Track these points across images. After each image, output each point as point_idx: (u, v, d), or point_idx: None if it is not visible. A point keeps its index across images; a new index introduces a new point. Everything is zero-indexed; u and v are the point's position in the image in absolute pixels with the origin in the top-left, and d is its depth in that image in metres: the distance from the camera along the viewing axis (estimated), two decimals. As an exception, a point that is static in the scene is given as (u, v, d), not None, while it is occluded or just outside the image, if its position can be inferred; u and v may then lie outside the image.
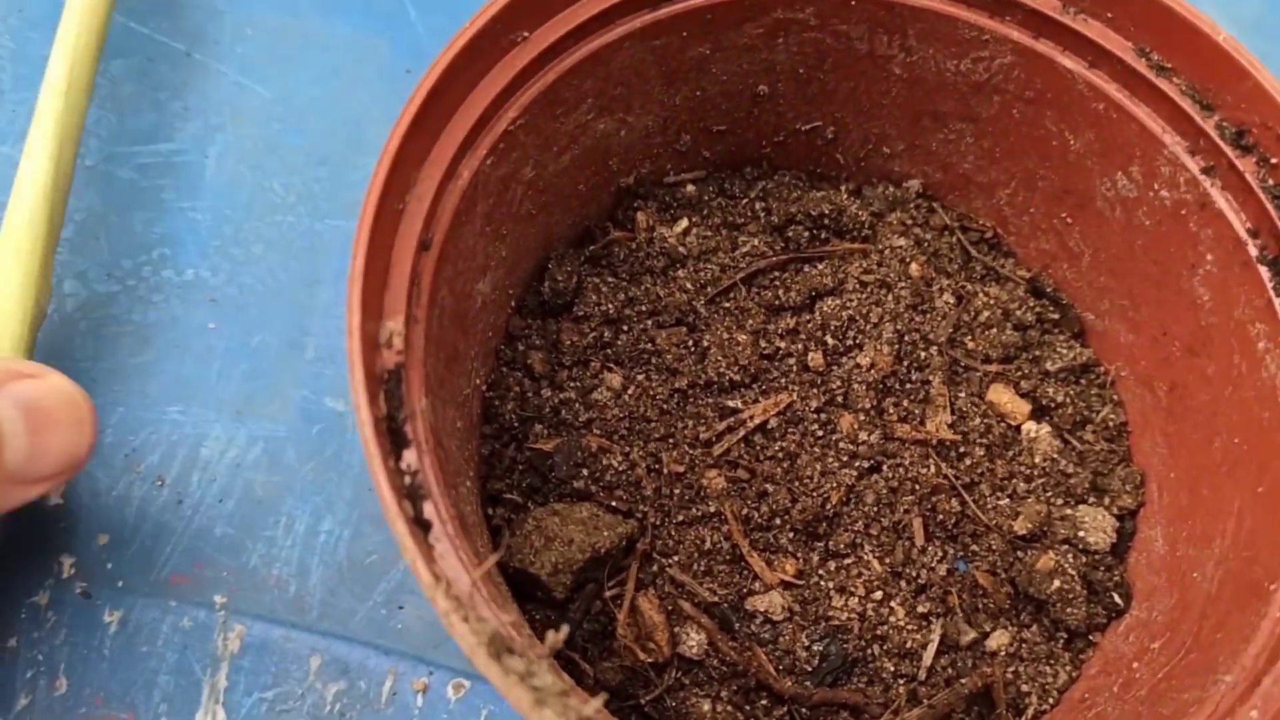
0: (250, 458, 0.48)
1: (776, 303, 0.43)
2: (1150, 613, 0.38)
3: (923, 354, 0.42)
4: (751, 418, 0.40)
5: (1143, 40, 0.37)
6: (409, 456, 0.30)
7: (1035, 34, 0.38)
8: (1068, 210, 0.42)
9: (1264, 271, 0.36)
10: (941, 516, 0.40)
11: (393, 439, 0.31)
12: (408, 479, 0.30)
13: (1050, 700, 0.38)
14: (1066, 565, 0.39)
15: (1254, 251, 0.36)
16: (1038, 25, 0.38)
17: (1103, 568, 0.40)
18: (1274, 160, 0.35)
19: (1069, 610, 0.39)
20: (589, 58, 0.37)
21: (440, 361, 0.35)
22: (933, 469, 0.40)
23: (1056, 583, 0.39)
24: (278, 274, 0.52)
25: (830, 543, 0.40)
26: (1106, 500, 0.41)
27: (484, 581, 0.31)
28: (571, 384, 0.41)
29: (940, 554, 0.40)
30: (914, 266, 0.44)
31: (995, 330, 0.43)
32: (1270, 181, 0.35)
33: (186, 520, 0.47)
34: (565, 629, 0.30)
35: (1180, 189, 0.37)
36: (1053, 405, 0.42)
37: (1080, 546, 0.40)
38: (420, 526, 0.30)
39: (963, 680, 0.38)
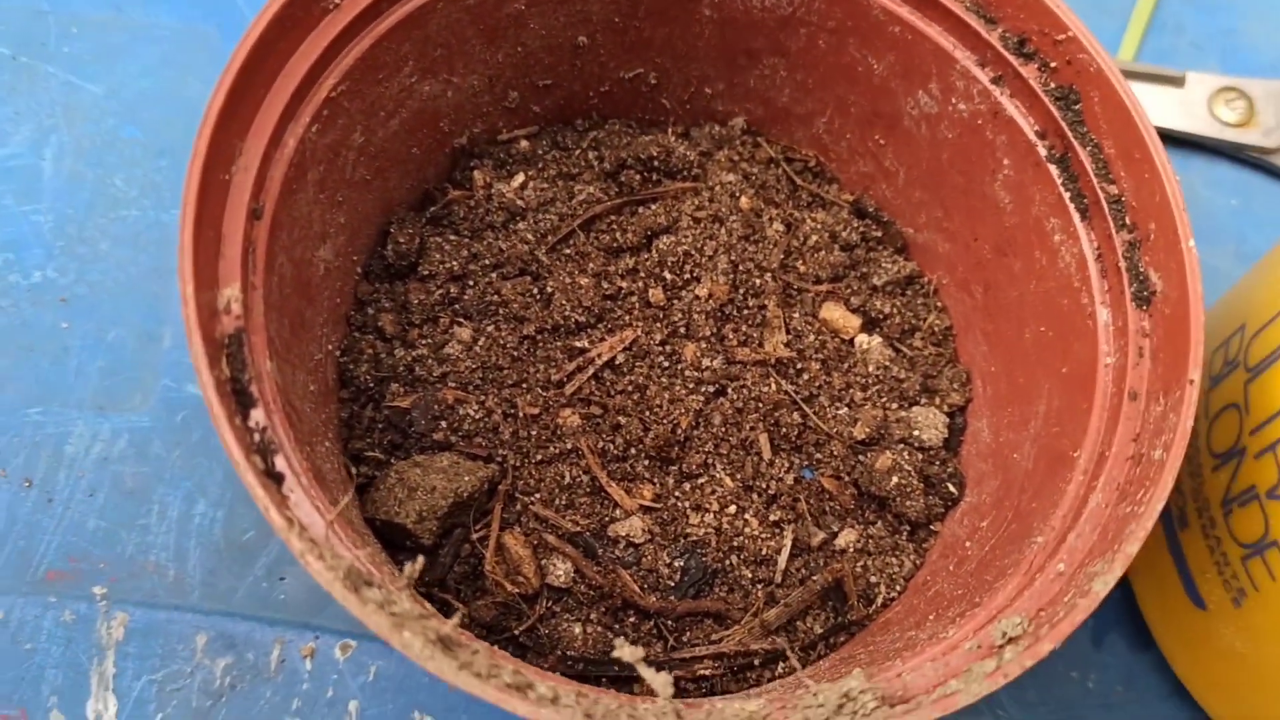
0: (116, 450, 0.48)
1: (615, 245, 0.44)
2: (980, 496, 0.41)
3: (757, 281, 0.44)
4: (599, 356, 0.42)
5: (925, -36, 0.39)
6: (256, 415, 0.32)
7: (829, -34, 0.41)
8: (879, 132, 0.44)
9: (1053, 169, 0.39)
10: (785, 430, 0.42)
11: (239, 399, 0.32)
12: (256, 436, 0.31)
13: (898, 588, 0.41)
14: (903, 463, 0.42)
15: (1043, 152, 0.39)
16: (831, -43, 0.40)
17: (937, 462, 0.43)
18: (1053, 64, 0.38)
19: (908, 503, 0.41)
20: (403, 21, 0.38)
21: (285, 327, 0.36)
22: (774, 387, 0.43)
23: (895, 479, 0.41)
24: (127, 268, 0.52)
25: (684, 465, 0.42)
26: (937, 400, 0.44)
27: (344, 528, 0.32)
28: (423, 341, 0.42)
29: (787, 465, 0.42)
30: (744, 199, 0.46)
31: (824, 252, 0.45)
32: (1051, 85, 0.38)
33: (58, 517, 0.47)
34: (421, 559, 0.31)
35: (974, 100, 0.40)
36: (881, 317, 0.45)
37: (916, 445, 0.43)
38: (273, 479, 0.31)
39: (815, 578, 0.40)
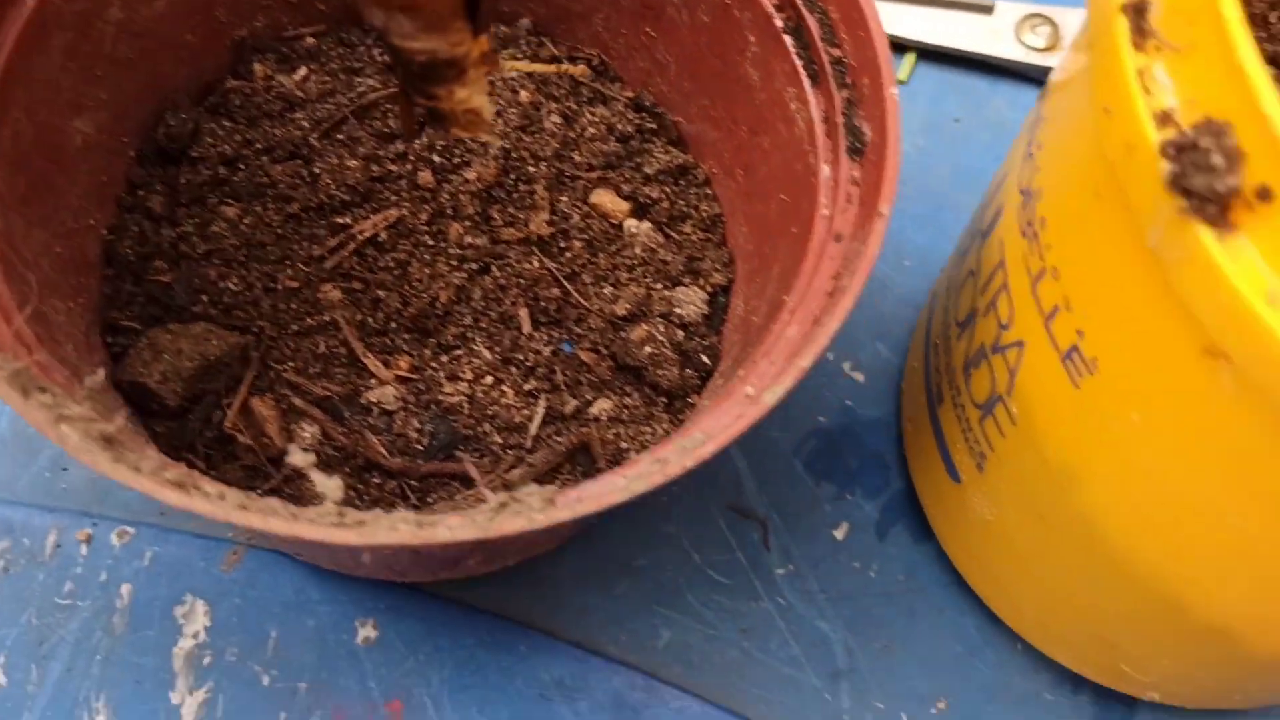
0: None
1: (388, 131, 0.45)
2: (728, 363, 0.42)
3: (530, 168, 0.45)
4: (361, 232, 0.43)
5: None
6: (-46, 238, 0.32)
7: None
8: (649, 24, 0.46)
9: (788, 40, 0.40)
10: (545, 304, 0.43)
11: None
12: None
13: (649, 454, 0.42)
14: (658, 334, 0.43)
15: (780, 24, 0.40)
16: None
17: (696, 337, 0.44)
18: (782, -62, 0.39)
19: (661, 373, 0.42)
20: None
21: (20, 183, 0.37)
22: (536, 264, 0.43)
23: (648, 349, 0.42)
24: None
25: (442, 339, 0.43)
26: (700, 281, 0.45)
27: (70, 381, 0.33)
28: (190, 220, 0.43)
29: (546, 338, 0.43)
30: (524, 94, 0.47)
31: (599, 143, 0.46)
32: (782, -43, 0.40)
33: None
34: (102, 371, 0.32)
35: (720, -20, 0.41)
36: (651, 203, 0.46)
37: (675, 321, 0.44)
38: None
39: (560, 439, 0.41)
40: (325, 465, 0.40)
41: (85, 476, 0.47)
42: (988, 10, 0.61)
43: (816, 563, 0.49)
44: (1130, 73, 0.28)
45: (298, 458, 0.30)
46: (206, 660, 0.44)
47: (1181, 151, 0.26)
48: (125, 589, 0.45)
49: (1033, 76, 0.61)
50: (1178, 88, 0.27)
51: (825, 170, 0.38)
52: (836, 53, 0.39)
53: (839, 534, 0.50)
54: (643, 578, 0.48)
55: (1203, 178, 0.26)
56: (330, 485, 0.30)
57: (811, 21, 0.39)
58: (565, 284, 0.44)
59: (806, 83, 0.40)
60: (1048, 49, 0.60)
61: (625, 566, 0.48)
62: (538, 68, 0.46)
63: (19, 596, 0.45)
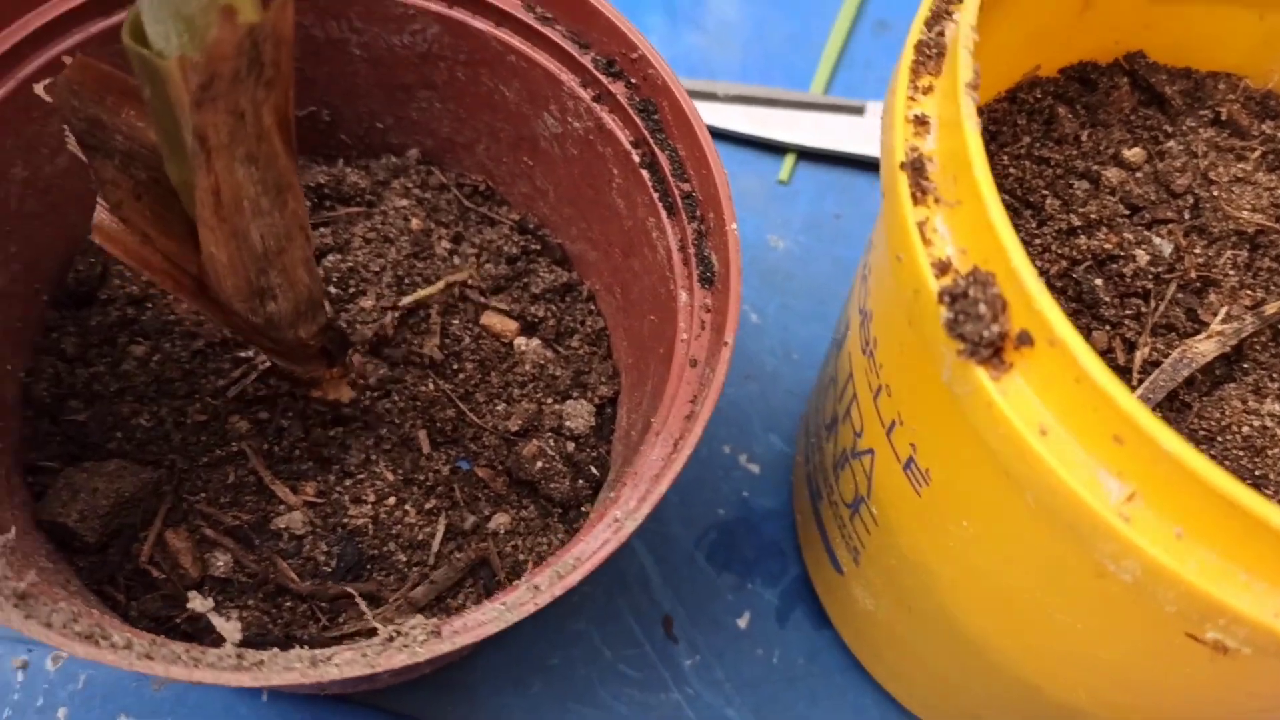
0: None
1: (289, 267, 0.48)
2: (616, 474, 0.45)
3: (422, 290, 0.48)
4: (263, 362, 0.46)
5: (527, -2, 0.44)
6: None
7: (449, 4, 0.45)
8: (526, 154, 0.49)
9: (645, 174, 0.43)
10: (441, 425, 0.46)
11: None
12: None
13: (544, 563, 0.44)
14: (549, 449, 0.45)
15: (637, 159, 0.44)
16: (447, -4, 0.45)
17: (586, 448, 0.46)
18: (634, 81, 0.43)
19: (553, 485, 0.45)
20: (49, 65, 0.42)
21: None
22: (431, 386, 0.46)
23: (540, 464, 0.45)
24: None
25: (345, 464, 0.45)
26: (588, 394, 0.48)
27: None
28: (101, 360, 0.46)
29: (444, 458, 0.46)
30: (415, 221, 0.50)
31: (490, 265, 0.49)
32: (635, 99, 0.43)
33: None
34: (14, 529, 0.35)
35: (584, 118, 0.45)
36: (538, 321, 0.49)
37: (566, 434, 0.47)
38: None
39: (459, 555, 0.44)
40: (235, 595, 0.43)
41: (13, 606, 0.49)
42: (859, 112, 0.65)
43: (721, 652, 0.52)
44: (911, 224, 0.31)
45: (197, 603, 0.33)
46: (136, 780, 0.46)
47: (955, 300, 0.29)
48: (62, 712, 0.48)
49: (913, 170, 0.64)
50: (954, 237, 0.31)
51: (683, 296, 0.41)
52: (686, 187, 0.42)
53: (742, 622, 0.53)
54: (556, 676, 0.51)
55: (973, 325, 0.29)
56: (229, 628, 0.32)
57: (663, 158, 0.43)
58: (460, 404, 0.46)
59: (663, 213, 0.43)
60: (927, 143, 0.64)
61: (539, 665, 0.51)
62: (428, 293, 0.49)
63: (-48, 727, 0.47)
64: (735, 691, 0.51)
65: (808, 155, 0.64)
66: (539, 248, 0.51)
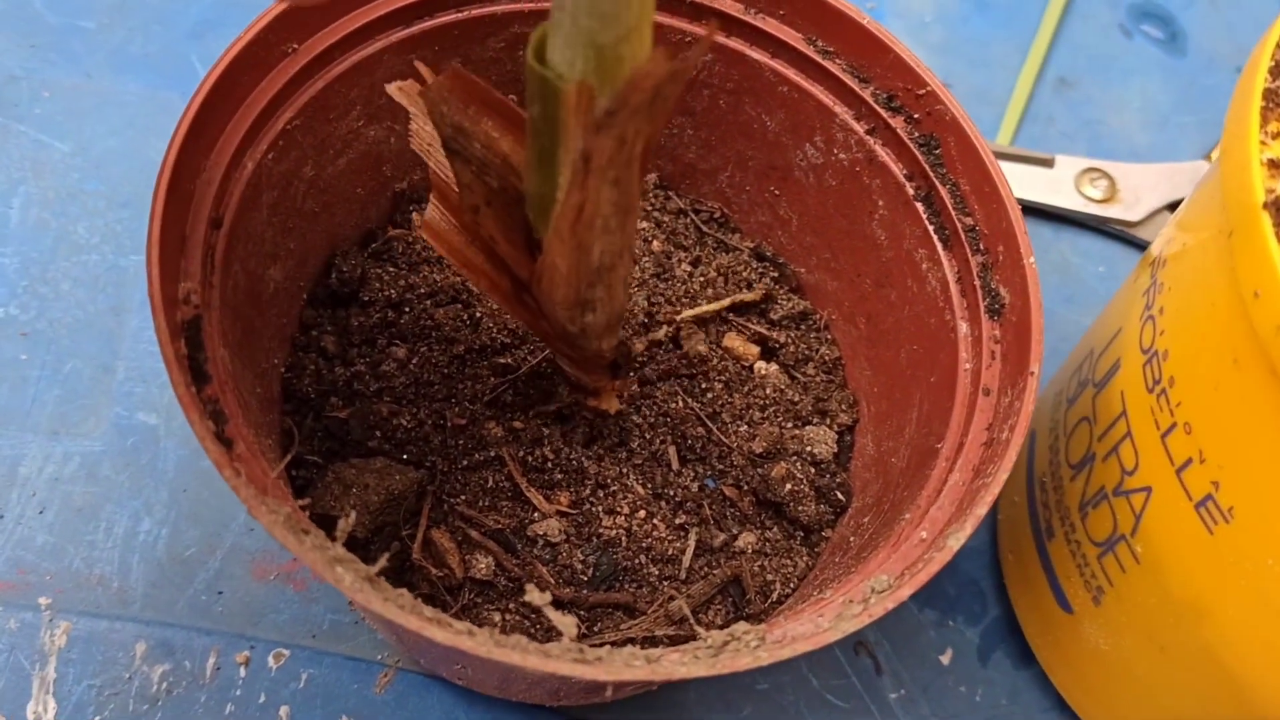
0: (68, 472, 0.51)
1: (539, 279, 0.49)
2: (864, 500, 0.45)
3: (668, 310, 0.49)
4: (522, 373, 0.47)
5: (810, 31, 0.46)
6: (210, 389, 0.35)
7: (728, 33, 0.47)
8: (774, 183, 0.50)
9: (920, 206, 0.44)
10: (691, 443, 0.47)
11: (195, 375, 0.35)
12: (210, 406, 0.35)
13: (791, 585, 0.45)
14: (797, 472, 0.46)
15: (911, 192, 0.45)
16: (728, 26, 0.46)
17: (828, 474, 0.47)
18: (916, 116, 0.44)
19: (800, 508, 0.46)
20: (353, 68, 0.44)
21: (237, 328, 0.40)
22: (681, 403, 0.47)
23: (789, 486, 0.46)
24: (86, 307, 0.55)
25: (599, 476, 0.46)
26: (828, 420, 0.49)
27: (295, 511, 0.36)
28: (361, 360, 0.47)
29: (692, 475, 0.46)
30: (655, 244, 0.51)
31: (727, 289, 0.50)
32: (915, 134, 0.44)
33: (8, 532, 0.50)
34: (353, 515, 0.35)
35: (853, 150, 0.46)
36: (778, 346, 0.50)
37: (809, 459, 0.47)
38: (223, 443, 0.34)
39: (715, 572, 0.44)
40: (495, 599, 0.43)
41: (240, 600, 0.50)
42: (1049, 164, 0.66)
43: (926, 686, 0.52)
44: (1278, 260, 0.32)
45: (534, 596, 0.33)
46: (363, 779, 0.47)
47: (1337, 335, 0.30)
48: (284, 710, 0.48)
49: (1092, 225, 0.66)
50: (1320, 277, 0.32)
51: (963, 327, 0.42)
52: (968, 220, 0.43)
53: (944, 659, 0.53)
54: (765, 701, 0.51)
55: (1362, 361, 0.30)
56: (566, 623, 0.33)
57: (943, 191, 0.44)
58: (708, 423, 0.47)
59: (938, 245, 0.44)
60: (1105, 200, 0.66)
61: (748, 690, 0.51)
62: (713, 308, 0.50)
63: (183, 717, 0.47)
64: (939, 726, 0.51)
65: (1001, 204, 0.65)
66: (776, 275, 0.52)
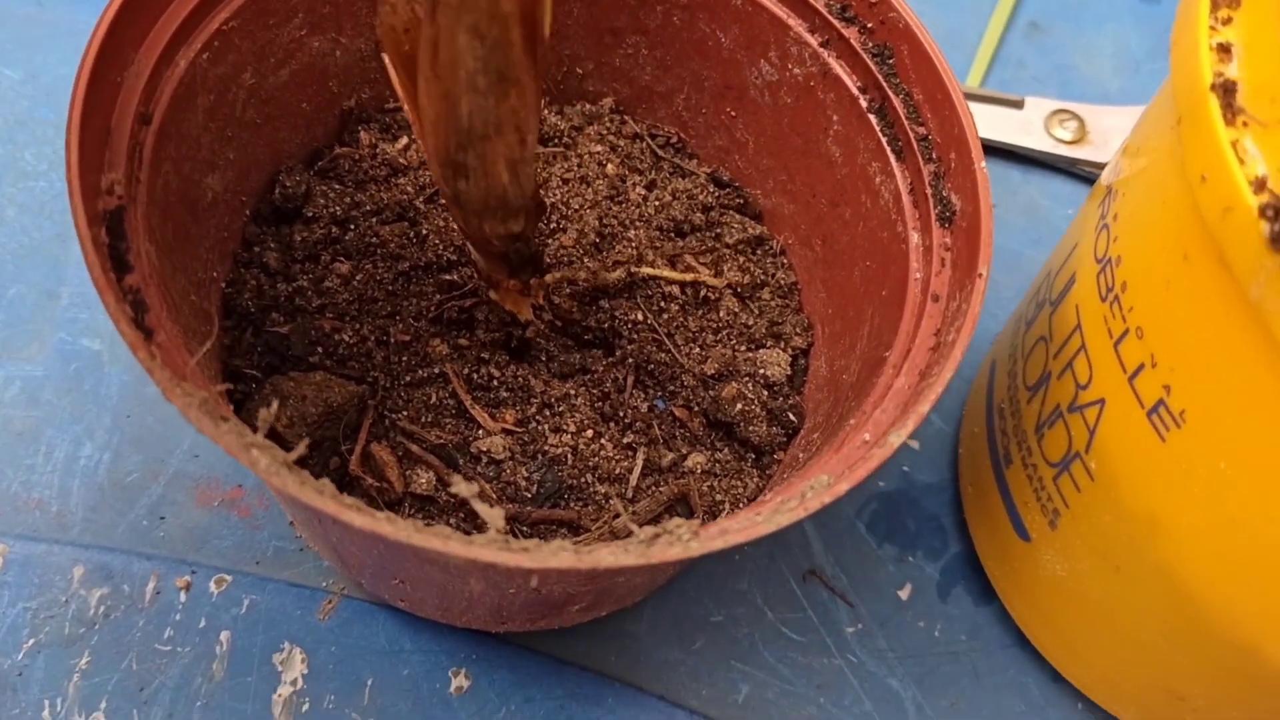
0: (8, 396, 0.50)
1: (489, 199, 0.48)
2: (815, 420, 0.44)
3: (620, 234, 0.48)
4: (469, 288, 0.46)
5: (762, -57, 0.45)
6: (131, 279, 0.34)
7: (680, -54, 0.46)
8: (730, 104, 0.49)
9: (873, 119, 0.43)
10: (642, 363, 0.46)
11: (115, 263, 0.34)
12: (130, 295, 0.34)
13: (741, 505, 0.44)
14: (748, 393, 0.45)
15: (865, 104, 0.44)
16: (681, -62, 0.46)
17: (781, 396, 0.46)
18: (869, 25, 0.43)
19: (751, 429, 0.45)
20: (291, -30, 0.43)
21: (168, 229, 0.39)
22: (640, 316, 0.46)
23: (739, 406, 0.45)
24: (31, 233, 0.54)
25: (545, 395, 0.45)
26: (782, 344, 0.48)
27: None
28: (304, 275, 0.45)
29: (642, 395, 0.45)
30: (610, 167, 0.50)
31: (681, 212, 0.49)
32: (869, 44, 0.43)
33: (-56, 455, 0.49)
34: (275, 403, 0.34)
35: (807, 64, 0.45)
36: (732, 271, 0.49)
37: (761, 381, 0.46)
38: (142, 330, 0.33)
39: (661, 489, 0.43)
40: (436, 514, 0.42)
41: (182, 526, 0.49)
42: (1018, 105, 0.65)
43: (884, 621, 0.51)
44: (1225, 143, 0.31)
45: (461, 488, 0.32)
46: (305, 707, 0.45)
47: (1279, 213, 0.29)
48: (224, 636, 0.47)
49: (1061, 167, 0.65)
50: (1267, 157, 0.31)
51: (915, 238, 0.41)
52: (921, 130, 0.42)
53: (903, 594, 0.52)
54: (719, 633, 0.50)
55: (1306, 236, 0.29)
56: (494, 515, 0.32)
57: (896, 102, 0.43)
58: (666, 342, 0.46)
59: (891, 157, 0.43)
60: (1075, 142, 0.65)
61: (703, 621, 0.50)
62: (670, 275, 0.49)
63: (120, 642, 0.46)
64: (898, 662, 0.50)
65: (968, 143, 0.64)
66: (731, 199, 0.51)
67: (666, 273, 0.47)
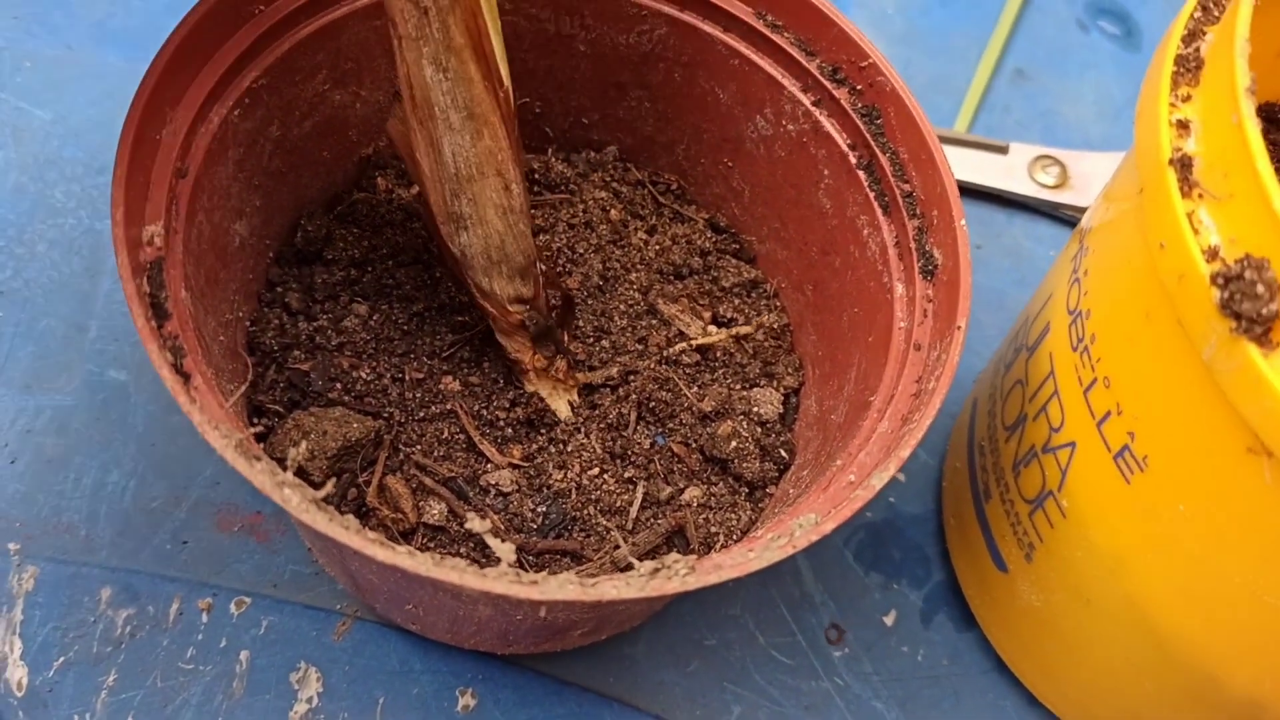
0: (39, 425, 0.53)
1: (499, 243, 0.51)
2: (805, 457, 0.47)
3: (623, 277, 0.51)
4: (479, 330, 0.48)
5: (759, 6, 0.47)
6: (170, 326, 0.37)
7: (681, 7, 0.48)
8: (727, 155, 0.52)
9: (862, 175, 0.46)
10: (644, 400, 0.48)
11: (155, 312, 0.37)
12: (169, 341, 0.37)
13: (735, 537, 0.47)
14: (743, 430, 0.48)
15: (854, 160, 0.47)
16: (681, 0, 0.48)
17: (773, 433, 0.49)
18: (859, 87, 0.46)
19: (745, 465, 0.47)
20: (319, 31, 0.45)
21: (201, 276, 0.42)
22: (648, 363, 0.49)
23: (734, 443, 0.47)
24: (61, 268, 0.57)
25: (553, 432, 0.47)
26: (775, 383, 0.50)
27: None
28: (324, 315, 0.48)
29: (645, 432, 0.48)
30: (613, 212, 0.53)
31: (680, 256, 0.52)
32: (859, 105, 0.46)
33: (-22, 481, 0.51)
34: (304, 444, 0.37)
35: (800, 121, 0.48)
36: (728, 318, 0.51)
37: (755, 419, 0.49)
38: (181, 375, 0.36)
39: (660, 522, 0.46)
40: (447, 544, 0.45)
41: (204, 550, 0.51)
42: (1003, 151, 0.68)
43: (870, 646, 0.54)
44: (1181, 214, 0.34)
45: (475, 524, 0.35)
46: (319, 722, 0.48)
47: (1229, 281, 0.32)
48: (244, 655, 0.49)
49: (1044, 211, 0.68)
50: (1220, 228, 0.34)
51: (900, 289, 0.44)
52: (906, 187, 0.45)
53: (889, 620, 0.55)
54: (713, 656, 0.52)
55: (1250, 304, 0.31)
56: (504, 549, 0.34)
57: (884, 160, 0.46)
58: (673, 378, 0.49)
59: (879, 211, 0.46)
60: (1057, 186, 0.68)
61: (697, 645, 0.53)
62: (699, 341, 0.51)
63: (145, 660, 0.48)
64: (883, 685, 0.53)
65: (954, 188, 0.67)
66: (727, 245, 0.54)
67: (696, 342, 0.50)
